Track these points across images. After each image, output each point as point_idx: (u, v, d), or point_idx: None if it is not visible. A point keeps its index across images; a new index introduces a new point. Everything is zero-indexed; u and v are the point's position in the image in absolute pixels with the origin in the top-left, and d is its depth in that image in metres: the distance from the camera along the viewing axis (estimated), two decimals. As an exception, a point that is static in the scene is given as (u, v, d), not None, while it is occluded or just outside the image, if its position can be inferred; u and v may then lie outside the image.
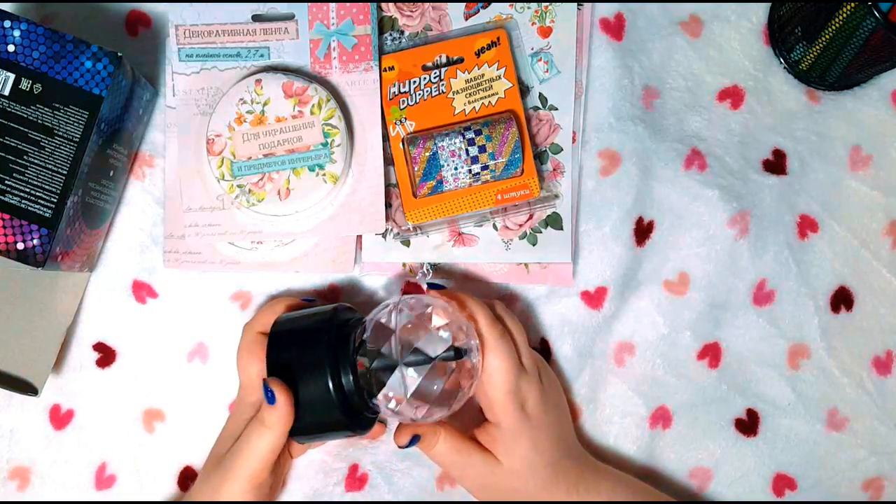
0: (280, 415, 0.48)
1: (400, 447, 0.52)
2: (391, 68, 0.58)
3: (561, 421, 0.56)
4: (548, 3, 0.59)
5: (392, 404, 0.48)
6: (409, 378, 0.48)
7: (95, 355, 0.59)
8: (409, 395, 0.48)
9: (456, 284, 0.60)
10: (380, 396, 0.48)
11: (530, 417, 0.52)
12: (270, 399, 0.48)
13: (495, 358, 0.51)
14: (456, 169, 0.56)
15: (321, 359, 0.49)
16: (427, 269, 0.59)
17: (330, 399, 0.49)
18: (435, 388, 0.48)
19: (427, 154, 0.56)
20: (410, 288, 0.60)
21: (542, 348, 0.60)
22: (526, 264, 0.59)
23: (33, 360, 0.56)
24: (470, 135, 0.56)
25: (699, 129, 0.62)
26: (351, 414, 0.50)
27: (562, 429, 0.56)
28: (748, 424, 0.61)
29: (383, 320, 0.50)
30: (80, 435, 0.59)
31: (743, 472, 0.61)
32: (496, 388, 0.51)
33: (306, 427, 0.50)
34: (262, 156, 0.55)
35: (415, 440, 0.52)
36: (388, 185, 0.58)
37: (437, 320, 0.49)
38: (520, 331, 0.54)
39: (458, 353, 0.48)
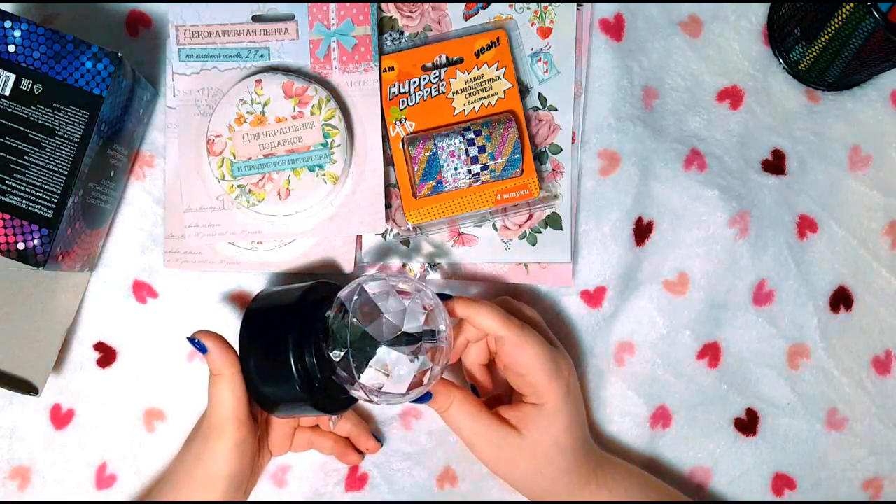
0: (218, 356, 0.50)
1: (409, 401, 0.51)
2: (391, 68, 0.58)
3: (583, 404, 0.57)
4: (547, 4, 0.60)
5: (364, 381, 0.47)
6: (378, 358, 0.47)
7: (96, 355, 0.59)
8: (380, 374, 0.47)
9: (458, 284, 0.60)
10: (347, 374, 0.48)
11: (573, 397, 0.53)
12: (202, 349, 0.50)
13: (525, 349, 0.51)
14: (456, 169, 0.56)
15: (286, 335, 0.49)
16: (427, 269, 0.59)
17: (290, 374, 0.49)
18: (406, 369, 0.47)
19: (427, 154, 0.56)
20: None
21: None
22: (526, 264, 0.60)
23: (34, 360, 0.56)
24: (470, 135, 0.56)
25: (699, 130, 0.62)
26: (312, 391, 0.50)
27: (583, 413, 0.56)
28: (748, 424, 0.61)
29: (353, 299, 0.48)
30: (80, 435, 0.59)
31: (742, 472, 0.61)
32: (539, 375, 0.51)
33: (269, 398, 0.51)
34: (263, 156, 0.55)
35: (426, 397, 0.51)
36: (388, 185, 0.58)
37: (405, 298, 0.48)
38: (537, 315, 0.55)
39: (432, 334, 0.48)
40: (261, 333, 0.51)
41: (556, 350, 0.53)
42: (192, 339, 0.51)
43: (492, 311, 0.51)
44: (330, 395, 0.51)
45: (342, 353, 0.47)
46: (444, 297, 0.52)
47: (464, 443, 0.54)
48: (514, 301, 0.56)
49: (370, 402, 0.49)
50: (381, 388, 0.47)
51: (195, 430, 0.55)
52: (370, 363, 0.47)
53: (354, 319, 0.47)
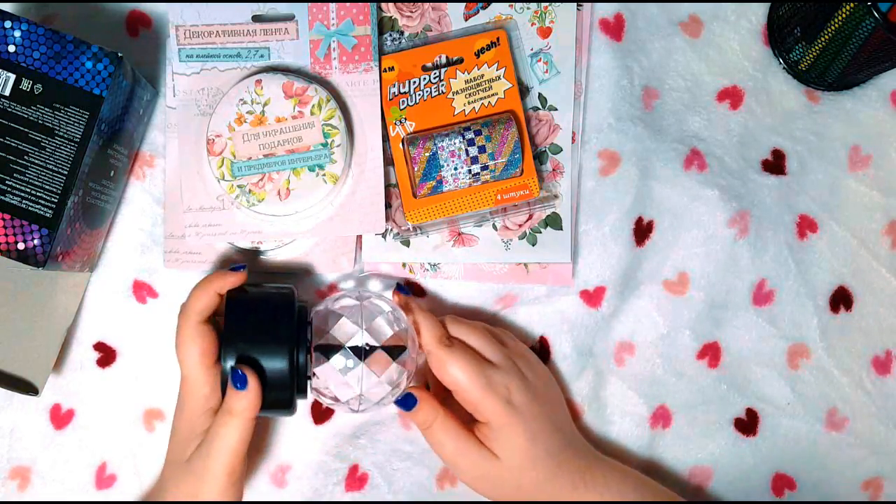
0: (250, 399, 0.48)
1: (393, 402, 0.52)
2: (391, 69, 0.58)
3: (556, 411, 0.56)
4: (547, 4, 0.60)
5: (328, 384, 0.51)
6: (350, 362, 0.50)
7: (96, 355, 0.59)
8: (347, 377, 0.50)
9: (453, 283, 0.60)
10: (321, 375, 0.51)
11: (519, 409, 0.52)
12: (242, 384, 0.48)
13: (453, 368, 0.52)
14: (456, 169, 0.56)
15: (285, 337, 0.50)
16: (427, 269, 0.59)
17: (286, 380, 0.50)
18: (373, 376, 0.50)
19: (427, 154, 0.56)
20: (408, 287, 0.60)
21: (542, 347, 0.60)
22: (526, 264, 0.60)
23: (34, 359, 0.56)
24: (470, 135, 0.56)
25: (699, 130, 0.62)
26: (298, 390, 0.51)
27: (558, 419, 0.56)
28: (748, 424, 0.61)
29: (339, 306, 0.52)
30: (80, 435, 0.59)
31: (742, 472, 0.61)
32: (469, 392, 0.52)
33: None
34: (263, 156, 0.55)
35: (409, 400, 0.52)
36: (388, 185, 0.58)
37: (385, 317, 0.52)
38: (478, 333, 0.54)
39: (395, 350, 0.51)
40: (254, 335, 0.50)
41: (488, 366, 0.53)
42: (235, 370, 0.48)
43: (426, 325, 0.52)
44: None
45: (329, 356, 0.50)
46: (402, 291, 0.55)
47: (445, 463, 0.54)
48: (452, 319, 0.55)
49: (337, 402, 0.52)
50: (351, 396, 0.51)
51: (177, 465, 0.52)
52: (333, 364, 0.50)
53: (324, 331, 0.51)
